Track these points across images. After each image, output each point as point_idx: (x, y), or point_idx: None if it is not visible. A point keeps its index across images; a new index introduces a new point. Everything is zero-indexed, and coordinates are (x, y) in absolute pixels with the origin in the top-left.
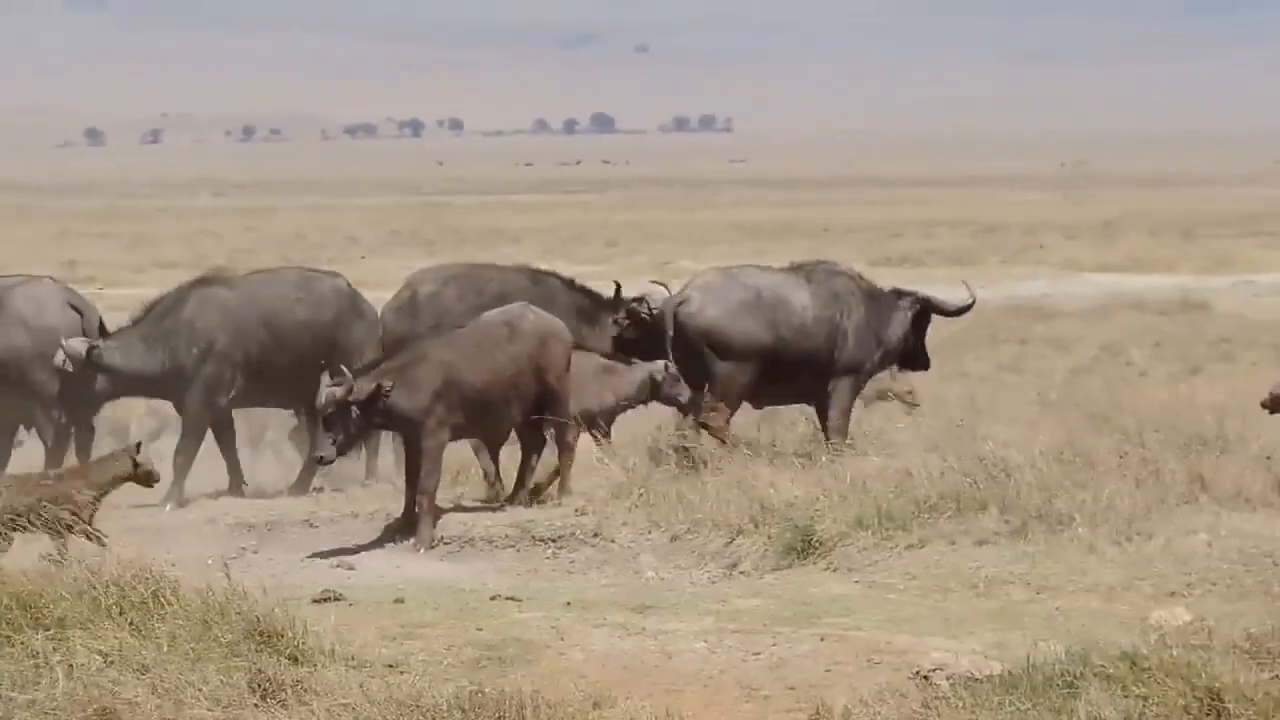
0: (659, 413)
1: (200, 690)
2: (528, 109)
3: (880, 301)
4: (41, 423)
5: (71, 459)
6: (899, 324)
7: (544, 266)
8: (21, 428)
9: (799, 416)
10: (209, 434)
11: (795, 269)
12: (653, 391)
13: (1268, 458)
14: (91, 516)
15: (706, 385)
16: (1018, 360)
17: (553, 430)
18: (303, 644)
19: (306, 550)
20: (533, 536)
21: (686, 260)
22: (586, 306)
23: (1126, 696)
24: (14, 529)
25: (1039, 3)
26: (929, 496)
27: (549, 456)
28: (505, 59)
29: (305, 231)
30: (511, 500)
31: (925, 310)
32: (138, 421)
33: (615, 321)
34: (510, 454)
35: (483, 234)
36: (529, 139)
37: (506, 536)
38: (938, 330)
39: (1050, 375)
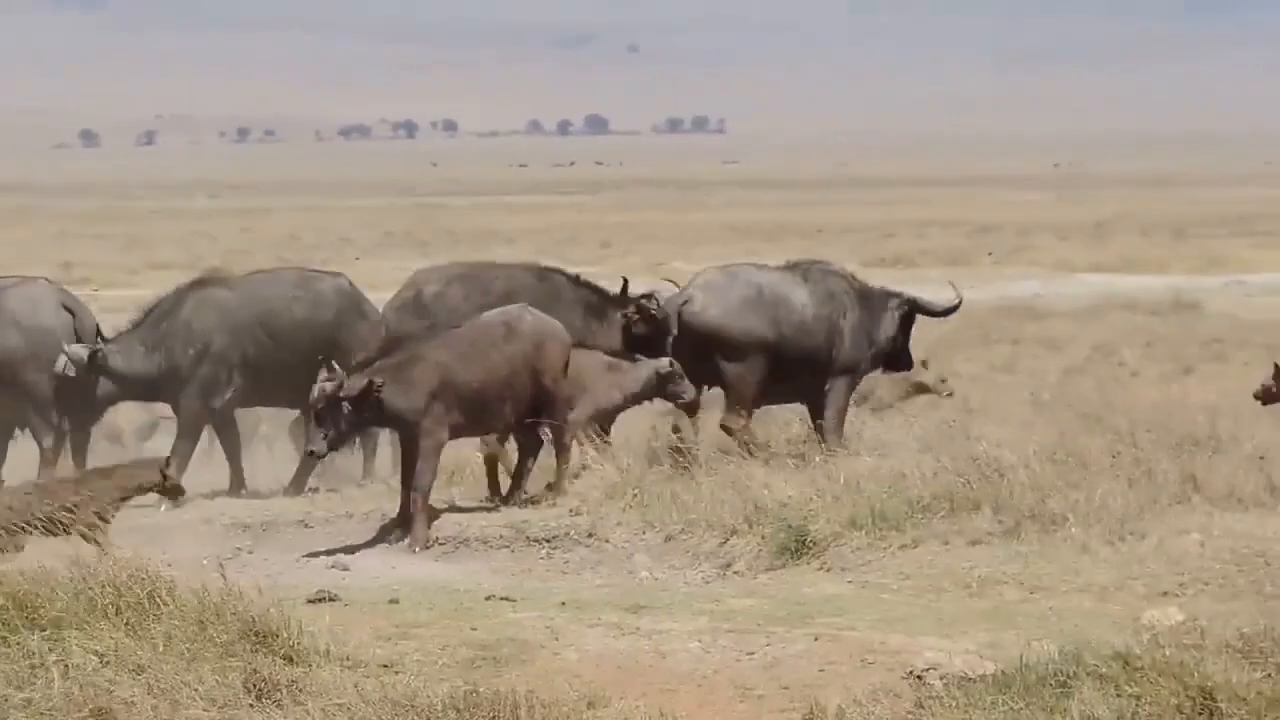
0: (655, 413)
1: (196, 690)
2: (522, 110)
3: (872, 302)
4: (36, 424)
5: (67, 460)
6: (889, 324)
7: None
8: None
9: (792, 417)
10: (208, 435)
11: (791, 267)
12: (656, 388)
13: (1260, 458)
14: (109, 519)
15: (716, 387)
16: (1010, 360)
17: (549, 432)
18: (298, 644)
19: (302, 551)
20: (527, 537)
21: (680, 261)
22: (593, 303)
23: (1119, 696)
24: (33, 531)
25: (1031, 4)
26: (922, 497)
27: (546, 459)
28: (499, 60)
29: (300, 233)
30: (507, 501)
31: (913, 311)
32: (130, 422)
33: (624, 316)
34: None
35: (477, 235)
36: (523, 140)
37: (501, 537)
38: (931, 331)
39: (1043, 375)
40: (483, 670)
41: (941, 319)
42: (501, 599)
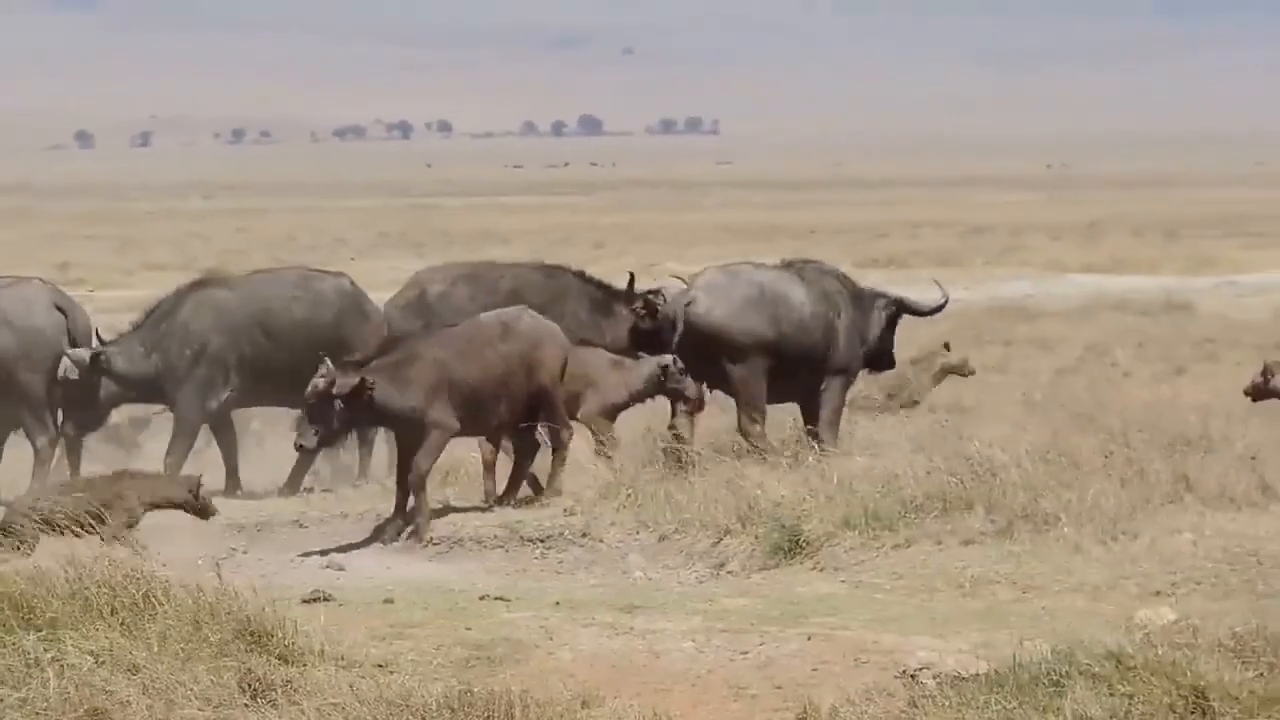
0: (649, 412)
1: (191, 690)
2: (516, 111)
3: (863, 301)
4: (29, 424)
5: (62, 463)
6: (877, 324)
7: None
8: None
9: (785, 417)
10: (205, 435)
11: (786, 266)
12: (660, 385)
13: (1252, 457)
14: (132, 526)
15: (717, 389)
16: (1003, 361)
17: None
18: (292, 644)
19: (296, 551)
20: (521, 537)
21: (673, 262)
22: (600, 299)
23: (1112, 695)
24: (57, 529)
25: (1023, 5)
26: (915, 496)
27: (540, 462)
28: (493, 61)
29: (295, 233)
30: (501, 502)
31: (900, 311)
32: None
33: (633, 311)
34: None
35: (471, 236)
36: (517, 141)
37: (495, 537)
38: (924, 331)
39: (1035, 376)
40: (477, 670)
41: (929, 318)
42: (496, 599)
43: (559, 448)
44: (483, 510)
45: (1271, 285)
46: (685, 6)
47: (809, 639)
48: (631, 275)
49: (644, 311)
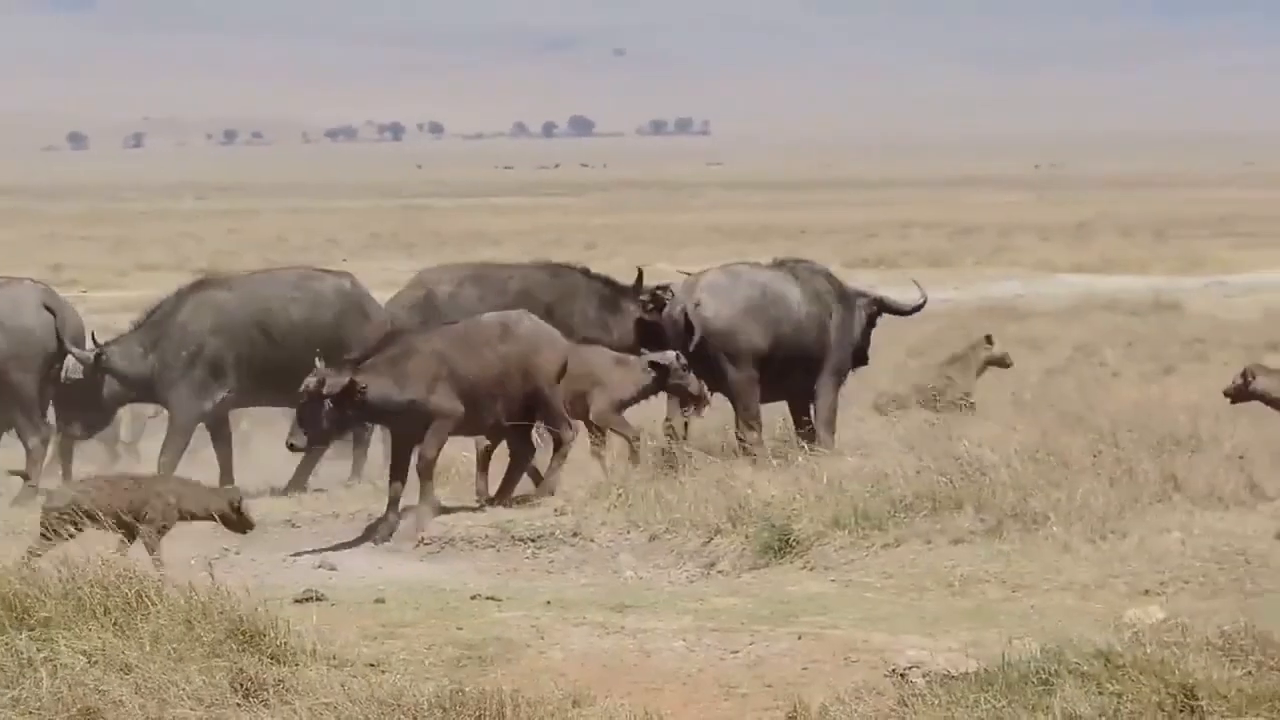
0: (641, 412)
1: (183, 689)
2: (507, 112)
3: (848, 300)
4: (21, 424)
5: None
6: (860, 323)
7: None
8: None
9: (776, 417)
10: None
11: (778, 265)
12: (663, 381)
13: (1240, 457)
14: (161, 532)
15: (718, 390)
16: None
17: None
18: (285, 643)
19: (289, 550)
20: (512, 536)
21: (664, 263)
22: (608, 295)
23: (1101, 694)
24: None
25: (1013, 6)
26: (905, 496)
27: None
28: (484, 63)
29: (287, 234)
30: (494, 503)
31: (880, 310)
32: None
33: (643, 305)
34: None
35: (463, 236)
36: (508, 142)
37: (486, 537)
38: (915, 330)
39: (1024, 375)
40: (468, 669)
41: (915, 317)
42: (487, 598)
43: (560, 445)
44: (474, 510)
45: (1260, 285)
46: (675, 8)
47: (799, 638)
48: (640, 271)
49: (652, 306)
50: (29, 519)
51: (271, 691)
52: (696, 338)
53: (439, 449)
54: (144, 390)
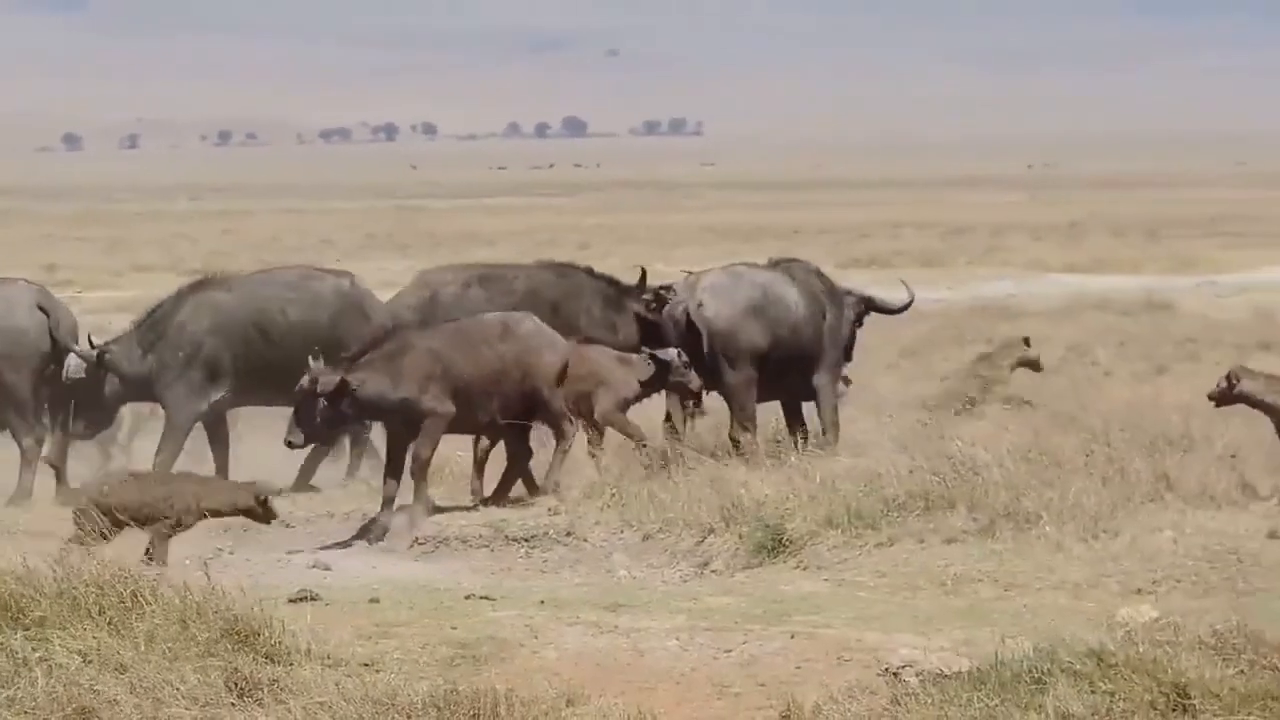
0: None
1: (178, 689)
2: (500, 113)
3: (838, 299)
4: (14, 424)
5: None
6: (849, 322)
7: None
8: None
9: (769, 416)
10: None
11: (774, 265)
12: (664, 379)
13: (1232, 456)
14: (186, 528)
15: (716, 390)
16: None
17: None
18: (279, 643)
19: (283, 550)
20: (506, 536)
21: (660, 263)
22: (612, 294)
23: (1094, 692)
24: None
25: (1006, 6)
26: (898, 495)
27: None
28: (478, 64)
29: (281, 235)
30: (488, 503)
31: (868, 309)
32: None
33: (647, 304)
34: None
35: (457, 237)
36: (502, 143)
37: (480, 536)
38: (908, 330)
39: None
40: (462, 668)
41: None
42: (481, 598)
43: (562, 444)
44: (468, 509)
45: (1252, 285)
46: (668, 9)
47: (792, 637)
48: (643, 270)
49: (654, 305)
50: (22, 518)
51: (266, 691)
52: (705, 341)
53: (433, 449)
54: (144, 390)
